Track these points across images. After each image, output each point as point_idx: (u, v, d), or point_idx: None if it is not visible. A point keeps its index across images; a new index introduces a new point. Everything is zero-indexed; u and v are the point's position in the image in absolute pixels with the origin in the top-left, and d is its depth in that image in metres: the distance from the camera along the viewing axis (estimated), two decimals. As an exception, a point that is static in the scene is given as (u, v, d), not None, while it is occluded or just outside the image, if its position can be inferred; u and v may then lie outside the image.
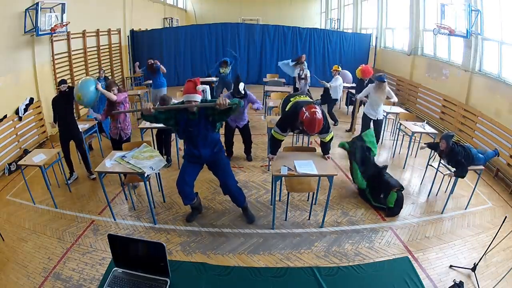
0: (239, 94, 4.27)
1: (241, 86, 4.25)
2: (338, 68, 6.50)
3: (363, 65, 6.26)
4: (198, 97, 2.76)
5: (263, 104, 7.00)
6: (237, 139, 4.86)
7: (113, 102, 3.86)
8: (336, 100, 6.59)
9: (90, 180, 4.36)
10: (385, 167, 4.07)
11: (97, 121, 4.87)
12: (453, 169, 3.64)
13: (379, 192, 3.81)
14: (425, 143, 4.12)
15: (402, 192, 3.78)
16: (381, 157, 5.26)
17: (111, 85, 3.92)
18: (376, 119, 4.94)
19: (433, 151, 4.21)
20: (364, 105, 5.21)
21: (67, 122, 4.13)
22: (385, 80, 4.78)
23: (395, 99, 5.09)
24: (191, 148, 3.06)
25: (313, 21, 17.04)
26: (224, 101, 2.58)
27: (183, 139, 3.30)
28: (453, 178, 3.70)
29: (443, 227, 3.55)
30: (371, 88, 4.87)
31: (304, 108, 3.04)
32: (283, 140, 3.43)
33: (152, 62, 6.26)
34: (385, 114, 5.29)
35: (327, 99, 6.48)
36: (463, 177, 3.59)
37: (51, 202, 3.77)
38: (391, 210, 3.69)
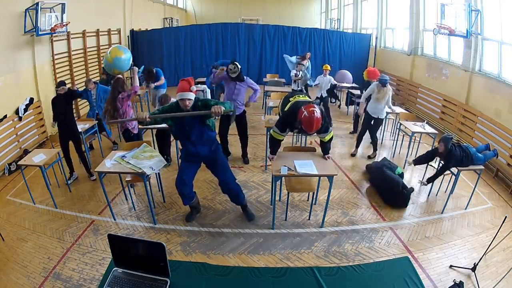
0: (234, 70, 4.24)
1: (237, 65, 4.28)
2: (328, 67, 6.42)
3: (370, 67, 6.22)
4: (191, 95, 2.83)
5: (263, 105, 6.99)
6: (237, 139, 4.86)
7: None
8: (325, 97, 6.43)
9: (90, 180, 4.36)
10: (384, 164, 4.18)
11: (97, 121, 4.88)
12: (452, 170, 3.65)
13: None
14: (412, 160, 4.02)
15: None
16: (381, 157, 5.25)
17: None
18: (376, 117, 4.94)
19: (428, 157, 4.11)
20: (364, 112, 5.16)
21: (67, 122, 4.15)
22: (386, 85, 4.76)
23: (390, 108, 5.04)
24: (189, 147, 3.08)
25: (313, 21, 17.02)
26: (219, 109, 2.62)
27: (179, 140, 3.31)
28: (453, 178, 3.71)
29: (443, 227, 3.55)
30: (374, 87, 4.88)
31: (302, 107, 3.05)
32: (282, 140, 3.42)
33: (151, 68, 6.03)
34: (386, 114, 5.27)
35: (321, 98, 6.43)
36: (436, 176, 3.72)
37: (51, 202, 3.77)
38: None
